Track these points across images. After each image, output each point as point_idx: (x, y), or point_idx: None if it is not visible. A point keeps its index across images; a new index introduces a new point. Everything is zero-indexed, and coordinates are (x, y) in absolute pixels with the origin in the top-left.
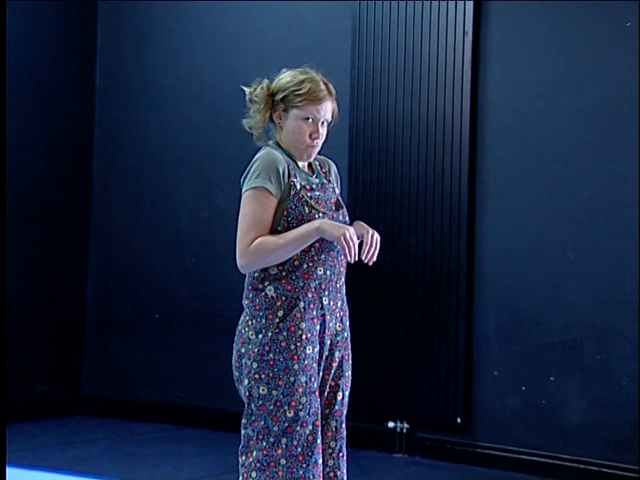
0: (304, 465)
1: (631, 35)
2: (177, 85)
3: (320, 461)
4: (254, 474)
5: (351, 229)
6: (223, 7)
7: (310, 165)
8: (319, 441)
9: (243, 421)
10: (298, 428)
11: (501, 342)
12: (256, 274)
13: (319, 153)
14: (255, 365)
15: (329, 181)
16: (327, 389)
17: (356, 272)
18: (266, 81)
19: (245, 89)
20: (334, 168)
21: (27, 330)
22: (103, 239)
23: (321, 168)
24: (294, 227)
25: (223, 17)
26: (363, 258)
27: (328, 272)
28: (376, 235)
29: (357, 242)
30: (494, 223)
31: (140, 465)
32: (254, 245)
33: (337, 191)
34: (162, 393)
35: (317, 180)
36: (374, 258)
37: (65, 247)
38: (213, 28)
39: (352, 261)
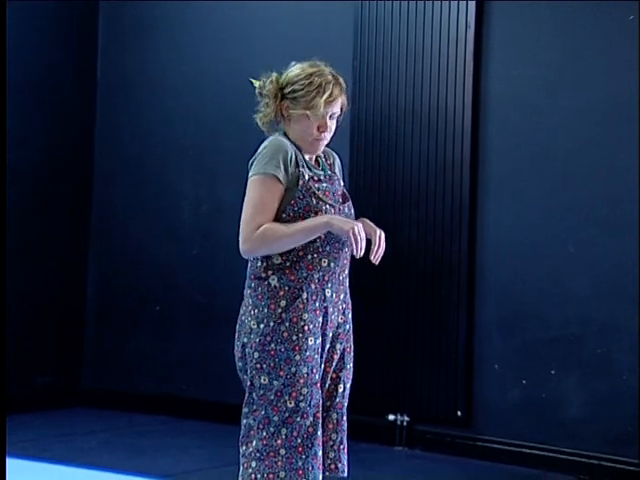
0: (303, 456)
1: (632, 31)
2: (179, 77)
3: (320, 453)
4: (254, 464)
5: (359, 224)
6: (225, 0)
7: (316, 157)
8: (319, 433)
9: (244, 410)
10: (298, 419)
11: (502, 335)
12: (259, 263)
13: (326, 145)
14: (256, 355)
15: (334, 173)
16: (328, 381)
17: (357, 264)
18: (275, 74)
19: (254, 82)
20: (338, 161)
21: (28, 321)
22: (104, 231)
23: (326, 160)
24: (300, 217)
25: (225, 9)
26: (371, 258)
27: (332, 264)
28: (383, 234)
29: (365, 238)
30: (495, 216)
31: (140, 457)
32: (261, 231)
33: (342, 183)
34: (162, 385)
35: (323, 172)
36: (380, 257)
37: (66, 239)
38: (216, 20)
39: (359, 256)
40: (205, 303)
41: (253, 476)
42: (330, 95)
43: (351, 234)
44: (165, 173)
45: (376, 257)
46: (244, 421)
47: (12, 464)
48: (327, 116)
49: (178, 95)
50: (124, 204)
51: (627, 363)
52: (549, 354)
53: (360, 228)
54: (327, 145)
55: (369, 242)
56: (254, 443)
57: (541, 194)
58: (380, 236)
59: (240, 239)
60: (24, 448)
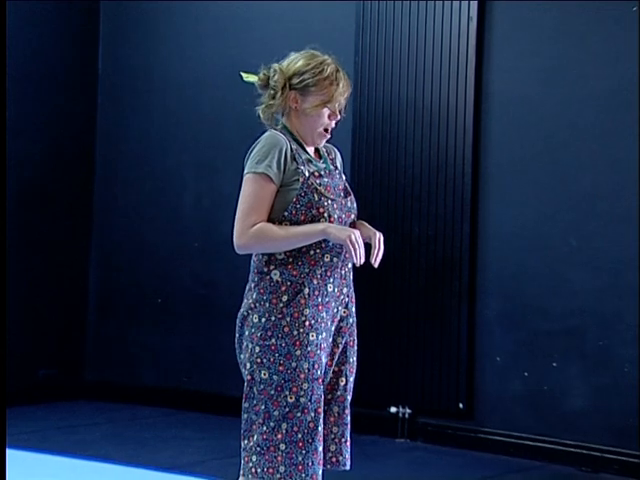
0: (304, 451)
1: (633, 23)
2: (180, 70)
3: (320, 448)
4: (254, 458)
5: (357, 232)
6: None
7: (317, 151)
8: (320, 429)
9: (245, 405)
10: (299, 414)
11: (503, 328)
12: (262, 257)
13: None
14: (257, 349)
15: (336, 167)
16: (330, 374)
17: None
18: (277, 65)
19: (250, 78)
20: (339, 156)
21: (30, 314)
22: (106, 224)
23: (328, 155)
24: (302, 214)
25: (227, 4)
26: (371, 261)
27: (335, 259)
28: (381, 237)
29: (363, 244)
30: (497, 210)
31: (142, 449)
32: (256, 228)
33: (343, 178)
34: (164, 377)
35: (324, 166)
36: (379, 260)
37: (68, 231)
38: (217, 13)
39: (359, 264)
40: (206, 295)
41: (254, 470)
42: (340, 83)
43: (348, 242)
44: (166, 166)
45: (375, 260)
46: (245, 416)
47: (15, 456)
48: (337, 105)
49: (180, 88)
50: (126, 197)
51: (628, 355)
52: (550, 346)
53: (358, 235)
54: (328, 140)
55: (368, 245)
56: (255, 437)
57: (543, 187)
58: (379, 239)
59: (235, 234)
60: (27, 440)
